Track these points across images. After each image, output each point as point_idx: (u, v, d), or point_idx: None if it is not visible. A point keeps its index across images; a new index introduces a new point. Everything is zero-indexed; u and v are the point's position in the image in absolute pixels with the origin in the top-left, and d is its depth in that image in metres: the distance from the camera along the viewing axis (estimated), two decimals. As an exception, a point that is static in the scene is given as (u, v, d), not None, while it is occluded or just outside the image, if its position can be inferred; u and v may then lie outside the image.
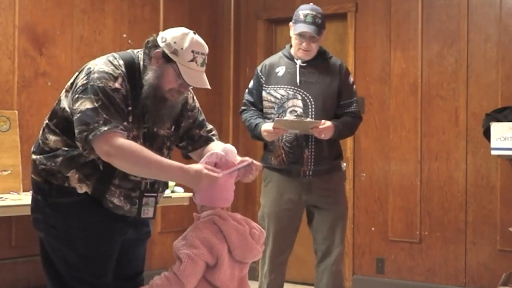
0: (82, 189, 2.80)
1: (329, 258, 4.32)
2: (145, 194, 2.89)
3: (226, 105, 6.43)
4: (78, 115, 2.69)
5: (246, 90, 4.40)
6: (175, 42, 2.77)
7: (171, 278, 2.65)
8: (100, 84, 2.72)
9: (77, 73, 2.88)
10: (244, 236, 2.72)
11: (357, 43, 5.86)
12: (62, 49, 5.29)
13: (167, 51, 2.78)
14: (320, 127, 4.06)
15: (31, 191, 2.98)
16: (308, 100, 4.20)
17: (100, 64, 2.80)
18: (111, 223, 2.86)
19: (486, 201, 5.38)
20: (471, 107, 5.43)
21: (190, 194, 4.51)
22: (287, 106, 4.20)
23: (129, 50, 2.95)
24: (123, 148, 2.66)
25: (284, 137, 4.18)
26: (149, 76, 2.79)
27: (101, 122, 2.66)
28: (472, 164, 5.43)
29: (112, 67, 2.79)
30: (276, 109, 4.22)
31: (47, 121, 2.89)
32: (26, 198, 4.47)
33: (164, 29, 5.88)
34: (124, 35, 5.69)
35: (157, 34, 2.87)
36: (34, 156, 2.87)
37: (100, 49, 5.51)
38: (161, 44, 2.80)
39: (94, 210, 2.82)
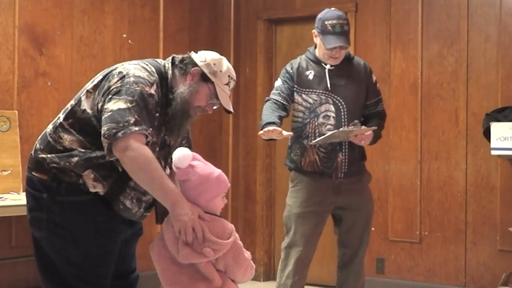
0: (95, 188, 2.80)
1: (356, 259, 4.33)
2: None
3: (226, 105, 6.43)
4: (109, 113, 2.70)
5: (272, 91, 4.27)
6: (214, 64, 2.92)
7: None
8: (137, 88, 2.76)
9: (100, 76, 2.89)
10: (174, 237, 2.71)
11: (357, 43, 5.86)
12: (62, 49, 5.29)
13: (206, 71, 2.90)
14: (366, 133, 4.10)
15: (29, 189, 2.90)
16: (339, 104, 4.17)
17: (134, 69, 2.84)
18: (116, 223, 2.89)
19: (486, 201, 5.38)
20: (471, 107, 5.43)
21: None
22: (319, 111, 4.16)
23: (153, 60, 3.00)
24: (140, 149, 2.67)
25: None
26: (182, 90, 2.88)
27: (131, 122, 2.68)
28: (472, 164, 5.43)
29: (147, 73, 2.84)
30: (307, 113, 4.17)
31: (61, 120, 2.87)
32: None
33: (164, 29, 5.94)
34: (124, 35, 5.69)
35: (190, 52, 2.98)
36: (42, 155, 2.85)
37: (100, 49, 5.52)
38: (199, 63, 2.91)
39: (101, 210, 2.84)
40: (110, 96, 2.75)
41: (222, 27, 6.49)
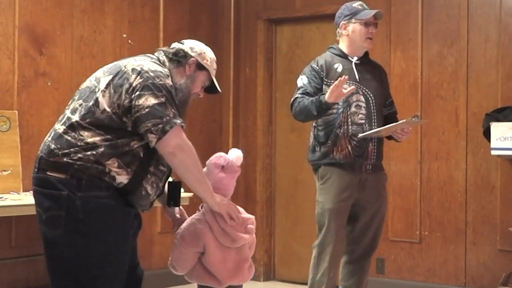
0: (120, 175, 2.87)
1: (368, 258, 4.38)
2: (170, 183, 3.17)
3: (226, 105, 6.43)
4: (146, 109, 2.86)
5: (300, 89, 4.27)
6: (204, 53, 3.19)
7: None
8: (160, 82, 2.93)
9: (111, 76, 2.95)
10: (224, 225, 3.10)
11: (357, 43, 5.85)
12: (62, 49, 5.29)
13: (200, 60, 3.15)
14: (410, 128, 4.25)
15: (44, 189, 2.89)
16: (368, 96, 4.26)
17: (147, 64, 2.98)
18: (130, 218, 3.00)
19: (486, 201, 5.38)
20: (471, 107, 5.43)
21: (190, 194, 4.51)
22: (351, 100, 4.22)
23: (146, 55, 3.14)
24: (192, 148, 2.94)
25: (350, 131, 4.20)
26: (183, 82, 3.11)
27: (171, 115, 2.88)
28: (472, 164, 5.43)
29: (160, 67, 3.02)
30: (340, 103, 4.19)
31: (76, 120, 2.90)
32: (26, 198, 4.47)
33: (164, 29, 5.94)
34: (124, 35, 5.69)
35: (176, 44, 3.19)
36: (63, 151, 2.86)
37: (100, 49, 5.52)
38: (192, 54, 3.15)
39: (120, 206, 2.92)
40: (137, 93, 2.88)
41: (222, 27, 6.49)
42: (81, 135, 2.88)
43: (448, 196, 5.52)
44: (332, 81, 4.17)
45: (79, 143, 2.86)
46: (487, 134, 5.03)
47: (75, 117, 2.91)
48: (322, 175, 4.28)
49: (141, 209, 3.06)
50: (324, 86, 4.23)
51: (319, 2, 6.05)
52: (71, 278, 2.87)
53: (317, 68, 4.27)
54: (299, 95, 4.24)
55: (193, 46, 3.18)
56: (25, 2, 5.06)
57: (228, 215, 3.10)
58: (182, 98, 3.07)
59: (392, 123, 4.31)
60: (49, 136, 2.97)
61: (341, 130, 4.20)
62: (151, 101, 2.86)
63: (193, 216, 3.17)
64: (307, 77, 4.28)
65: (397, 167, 5.69)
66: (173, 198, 3.20)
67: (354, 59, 4.30)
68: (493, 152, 4.99)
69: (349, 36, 4.31)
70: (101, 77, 2.99)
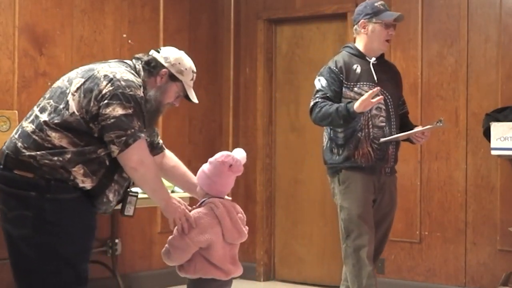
0: (84, 183, 2.89)
1: (376, 258, 4.32)
2: (130, 193, 3.15)
3: (226, 105, 6.43)
4: (112, 120, 2.85)
5: (319, 92, 4.16)
6: (179, 63, 3.09)
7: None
8: (131, 92, 2.90)
9: (83, 80, 2.94)
10: (235, 221, 3.18)
11: (357, 43, 5.85)
12: (62, 49, 5.29)
13: (173, 71, 3.08)
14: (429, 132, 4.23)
15: (10, 188, 2.90)
16: (386, 98, 4.20)
17: (121, 72, 2.95)
18: (95, 219, 3.05)
19: (486, 201, 5.38)
20: (471, 107, 5.43)
21: (190, 194, 4.50)
22: None
23: (121, 60, 3.12)
24: (153, 161, 3.00)
25: (371, 134, 4.15)
26: (154, 93, 3.06)
27: (136, 128, 2.88)
28: (472, 164, 5.43)
29: (133, 76, 2.98)
30: None
31: (45, 120, 2.90)
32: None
33: (164, 29, 5.94)
34: (124, 35, 5.69)
35: (152, 52, 3.13)
36: (29, 153, 2.87)
37: (100, 49, 5.52)
38: (166, 64, 3.08)
39: (87, 207, 2.96)
40: (106, 101, 2.86)
41: (222, 27, 6.49)
42: (49, 136, 2.88)
43: (448, 196, 5.52)
44: (352, 84, 4.14)
45: (46, 144, 2.87)
46: (487, 134, 5.03)
47: (44, 117, 2.91)
48: (343, 180, 4.19)
49: (101, 212, 3.08)
50: (344, 89, 4.15)
51: (319, 2, 6.05)
52: (36, 277, 2.90)
53: (336, 70, 4.17)
54: (320, 100, 4.13)
55: (168, 56, 3.10)
56: (25, 2, 5.07)
57: (180, 221, 3.10)
58: (151, 109, 3.04)
59: (404, 123, 4.29)
60: (15, 133, 2.98)
61: (363, 134, 4.13)
62: (118, 111, 2.85)
63: (199, 210, 3.19)
64: (326, 80, 4.17)
65: (397, 167, 5.67)
66: (122, 207, 3.21)
67: (372, 60, 4.24)
68: (493, 152, 4.99)
69: (368, 35, 4.23)
70: (74, 78, 2.97)
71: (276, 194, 6.39)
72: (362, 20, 4.23)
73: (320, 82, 4.19)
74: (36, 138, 2.89)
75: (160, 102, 3.07)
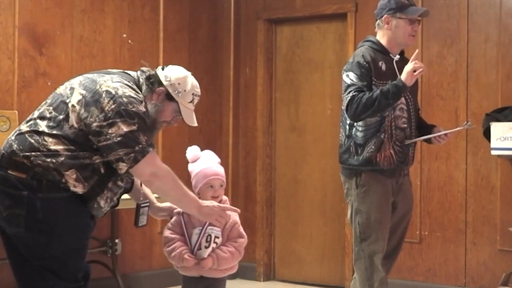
0: (75, 188, 2.90)
1: (392, 262, 4.25)
2: (142, 205, 3.22)
3: (226, 105, 6.43)
4: (119, 138, 2.85)
5: (352, 86, 3.96)
6: (179, 84, 3.04)
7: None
8: (133, 109, 2.88)
9: (85, 92, 2.91)
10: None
11: (357, 43, 5.82)
12: (62, 49, 5.29)
13: (170, 91, 3.03)
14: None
15: (4, 188, 2.91)
16: (407, 98, 4.09)
17: (121, 88, 2.92)
18: (89, 219, 3.03)
19: (486, 201, 5.38)
20: (471, 107, 5.43)
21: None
22: (395, 103, 4.01)
23: (125, 72, 3.10)
24: (168, 171, 2.96)
25: (394, 136, 4.03)
26: (150, 109, 3.01)
27: (144, 143, 2.88)
28: (472, 164, 5.43)
29: (134, 92, 2.96)
30: None
31: (43, 129, 2.91)
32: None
33: (164, 29, 5.93)
34: (124, 35, 5.69)
35: (156, 68, 3.09)
36: (24, 153, 2.89)
37: (100, 49, 5.52)
38: (165, 83, 3.04)
39: (79, 207, 2.95)
40: (110, 120, 2.85)
41: (222, 27, 6.49)
42: (45, 141, 2.89)
43: (448, 196, 5.52)
44: (380, 81, 3.98)
45: (41, 148, 2.88)
46: (487, 134, 5.03)
47: (42, 125, 2.92)
48: (363, 183, 4.05)
49: (96, 215, 3.08)
50: (372, 87, 3.99)
51: (319, 2, 6.05)
52: (32, 274, 2.95)
53: (366, 64, 3.99)
54: (355, 93, 3.92)
55: (169, 75, 3.06)
56: (25, 2, 5.07)
57: (217, 220, 3.24)
58: (149, 124, 3.02)
59: (419, 122, 4.22)
60: (13, 135, 2.99)
61: (385, 135, 4.00)
62: (123, 129, 2.85)
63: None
64: (356, 74, 3.97)
65: (397, 167, 5.69)
66: (135, 219, 3.27)
67: (396, 57, 4.09)
68: (493, 152, 4.98)
69: (391, 30, 4.07)
70: (76, 89, 2.96)
71: (276, 194, 6.39)
72: (386, 15, 4.08)
73: (349, 77, 4.00)
74: (32, 141, 2.91)
75: (154, 119, 3.04)
